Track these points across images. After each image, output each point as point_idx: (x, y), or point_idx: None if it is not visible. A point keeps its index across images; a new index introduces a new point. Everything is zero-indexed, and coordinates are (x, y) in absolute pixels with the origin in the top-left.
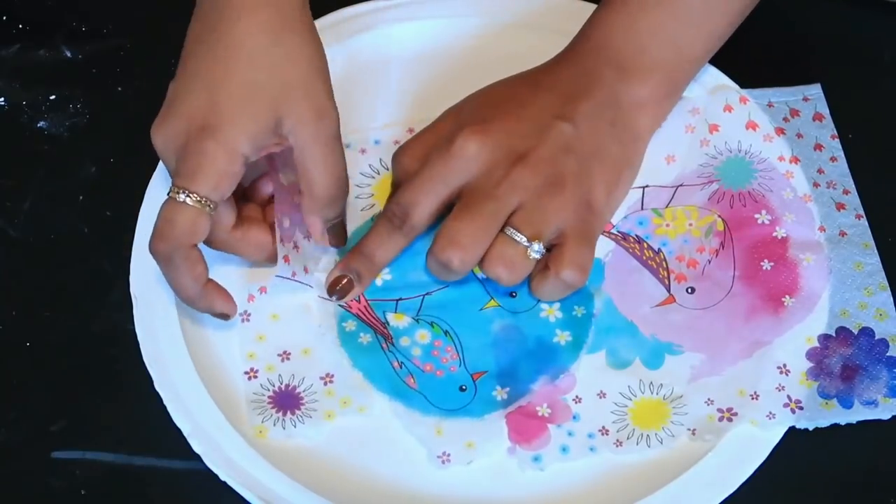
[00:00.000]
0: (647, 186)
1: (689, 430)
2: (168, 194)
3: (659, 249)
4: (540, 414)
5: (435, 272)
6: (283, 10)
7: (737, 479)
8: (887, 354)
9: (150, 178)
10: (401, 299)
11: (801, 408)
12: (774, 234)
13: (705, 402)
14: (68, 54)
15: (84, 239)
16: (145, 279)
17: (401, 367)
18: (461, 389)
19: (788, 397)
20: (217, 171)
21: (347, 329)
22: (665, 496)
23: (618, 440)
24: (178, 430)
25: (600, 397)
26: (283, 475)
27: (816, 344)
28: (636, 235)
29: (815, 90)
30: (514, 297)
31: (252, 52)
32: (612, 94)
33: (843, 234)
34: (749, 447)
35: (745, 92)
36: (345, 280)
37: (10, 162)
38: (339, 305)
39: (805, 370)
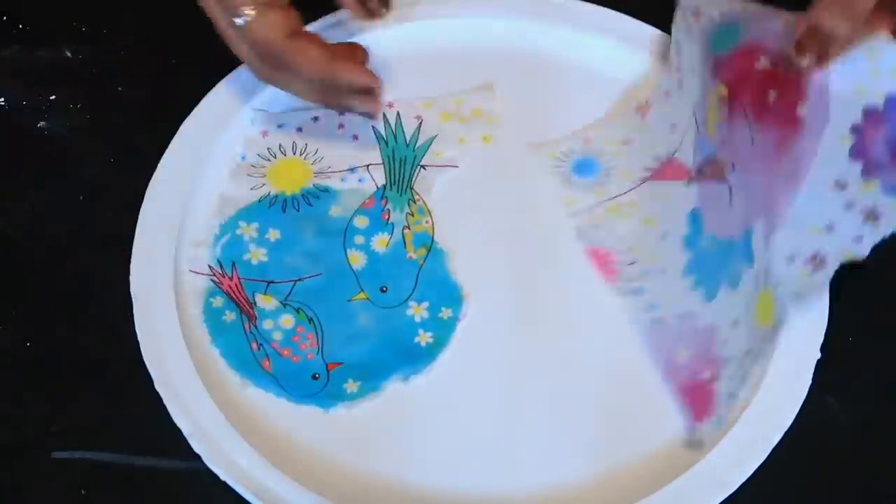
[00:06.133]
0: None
1: (792, 293)
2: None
3: (721, 162)
4: (703, 378)
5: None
6: None
7: (737, 479)
8: None
9: (150, 178)
10: (272, 282)
11: (878, 218)
12: (769, 68)
13: (787, 259)
14: (69, 54)
15: (84, 239)
16: (145, 279)
17: (259, 348)
18: (314, 378)
19: (861, 211)
20: None
21: (214, 305)
22: (665, 496)
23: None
24: (178, 430)
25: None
26: (282, 475)
27: (853, 141)
28: (705, 161)
29: None
30: (384, 292)
31: None
32: None
33: None
34: (749, 447)
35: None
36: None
37: (10, 162)
38: (212, 280)
39: (858, 172)
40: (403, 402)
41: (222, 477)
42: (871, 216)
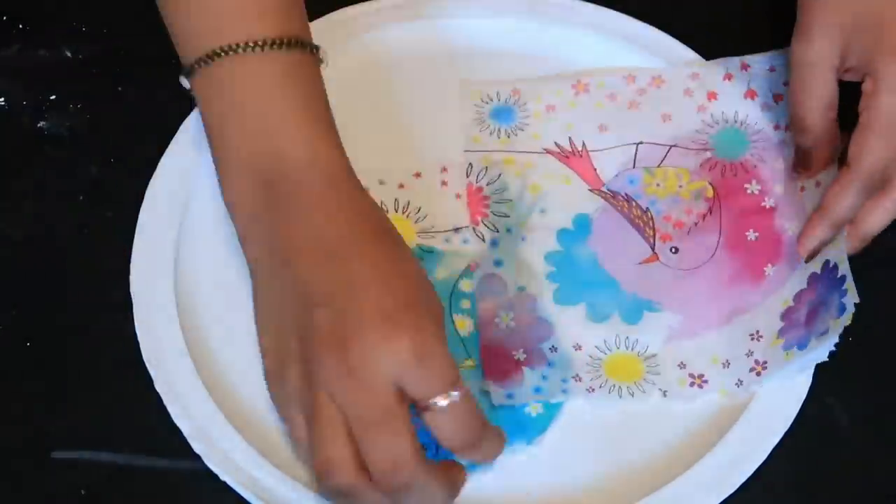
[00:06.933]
0: (641, 143)
1: (660, 390)
2: (429, 408)
3: (647, 209)
4: (516, 358)
5: None
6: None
7: (737, 479)
8: (838, 276)
9: (150, 178)
10: None
11: (766, 368)
12: (763, 203)
13: (678, 364)
14: (68, 54)
15: (84, 239)
16: (145, 279)
17: None
18: None
19: (756, 361)
20: (445, 352)
21: None
22: (665, 496)
23: (590, 387)
24: (178, 430)
25: (576, 349)
26: (283, 475)
27: (792, 303)
28: (625, 194)
29: None
30: None
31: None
32: None
33: (818, 184)
34: (749, 447)
35: (747, 58)
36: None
37: (10, 162)
38: None
39: (777, 330)
40: None
41: (222, 477)
42: (762, 367)
